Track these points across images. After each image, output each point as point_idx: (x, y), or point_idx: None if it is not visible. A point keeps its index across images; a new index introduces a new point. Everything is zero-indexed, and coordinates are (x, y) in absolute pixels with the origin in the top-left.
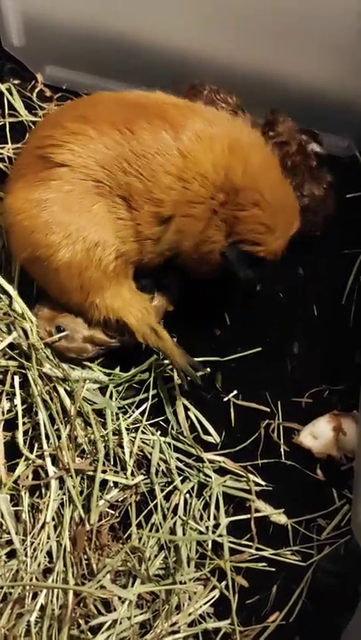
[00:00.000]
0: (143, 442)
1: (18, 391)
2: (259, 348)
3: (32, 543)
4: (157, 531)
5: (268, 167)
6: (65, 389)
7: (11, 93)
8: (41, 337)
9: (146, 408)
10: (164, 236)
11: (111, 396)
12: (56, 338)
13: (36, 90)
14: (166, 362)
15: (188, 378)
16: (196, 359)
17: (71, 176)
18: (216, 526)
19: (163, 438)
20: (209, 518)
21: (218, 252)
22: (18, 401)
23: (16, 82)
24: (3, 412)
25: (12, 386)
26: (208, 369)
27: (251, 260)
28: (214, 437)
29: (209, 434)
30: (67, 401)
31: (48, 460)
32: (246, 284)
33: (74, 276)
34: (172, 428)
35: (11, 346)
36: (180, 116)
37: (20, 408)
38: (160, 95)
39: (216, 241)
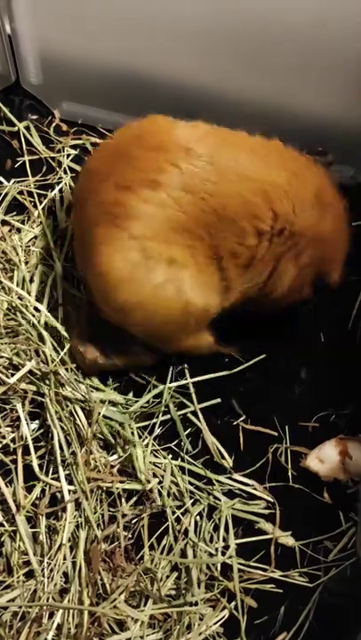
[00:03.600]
0: (155, 465)
1: (27, 414)
2: (263, 355)
3: (49, 564)
4: (169, 552)
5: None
6: (83, 409)
7: (29, 130)
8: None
9: (159, 432)
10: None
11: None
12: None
13: (53, 125)
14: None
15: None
16: (205, 377)
17: (153, 247)
18: (226, 548)
19: (174, 462)
20: (219, 540)
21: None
22: (35, 424)
23: (34, 117)
24: (22, 437)
25: (32, 408)
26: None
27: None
28: (228, 461)
29: (223, 457)
30: (84, 422)
31: (64, 482)
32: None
33: (155, 337)
34: (186, 451)
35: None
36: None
37: (29, 431)
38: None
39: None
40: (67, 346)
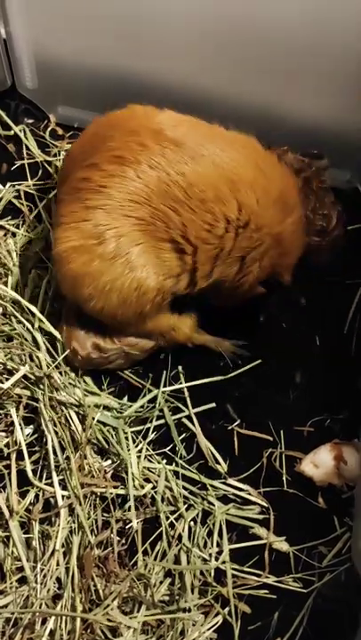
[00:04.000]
0: (149, 470)
1: (21, 419)
2: (258, 360)
3: (42, 570)
4: (163, 558)
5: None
6: (77, 414)
7: (24, 134)
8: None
9: (153, 437)
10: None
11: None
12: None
13: (49, 129)
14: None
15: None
16: (200, 381)
17: (108, 220)
18: (220, 553)
19: (169, 466)
20: (212, 545)
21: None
22: (30, 429)
23: (30, 121)
24: (16, 442)
25: (27, 413)
26: (214, 404)
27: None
28: (222, 466)
29: (217, 462)
30: (79, 427)
31: (57, 488)
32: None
33: (113, 317)
34: (180, 456)
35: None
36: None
37: (23, 436)
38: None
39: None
40: (61, 349)
